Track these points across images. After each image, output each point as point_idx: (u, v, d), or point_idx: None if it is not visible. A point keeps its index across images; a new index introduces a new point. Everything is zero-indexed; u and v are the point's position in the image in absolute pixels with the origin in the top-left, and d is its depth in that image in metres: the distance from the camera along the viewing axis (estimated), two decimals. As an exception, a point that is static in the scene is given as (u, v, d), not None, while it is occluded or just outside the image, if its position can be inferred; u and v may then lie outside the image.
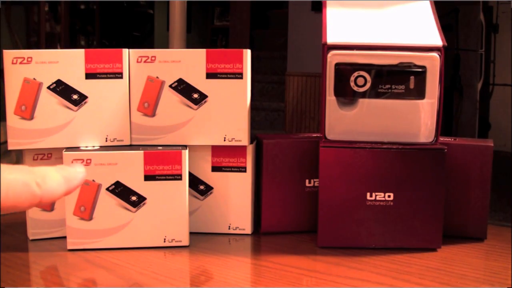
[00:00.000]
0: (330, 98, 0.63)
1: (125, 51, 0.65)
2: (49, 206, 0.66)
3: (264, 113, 4.08)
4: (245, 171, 0.68)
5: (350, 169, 0.62)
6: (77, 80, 0.63)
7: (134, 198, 0.62)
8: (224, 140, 0.66)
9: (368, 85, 0.62)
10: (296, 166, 0.68)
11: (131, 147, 0.65)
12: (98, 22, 5.19)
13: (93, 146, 0.64)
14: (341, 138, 0.63)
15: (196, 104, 0.65)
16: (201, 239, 0.67)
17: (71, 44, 4.85)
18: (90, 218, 0.62)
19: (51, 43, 4.55)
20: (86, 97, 0.64)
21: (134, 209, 0.63)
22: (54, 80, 0.63)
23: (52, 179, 0.34)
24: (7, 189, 0.30)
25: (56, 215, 0.66)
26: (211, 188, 0.68)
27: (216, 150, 0.67)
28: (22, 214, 0.68)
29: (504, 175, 3.17)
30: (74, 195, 0.62)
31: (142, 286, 0.54)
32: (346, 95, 0.62)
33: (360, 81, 0.62)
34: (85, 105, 0.64)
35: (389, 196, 0.62)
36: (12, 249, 0.63)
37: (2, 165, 0.31)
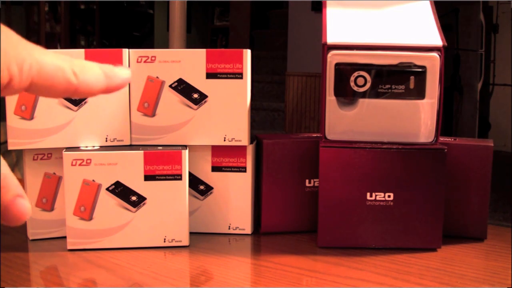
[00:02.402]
0: (330, 98, 0.63)
1: (125, 51, 0.65)
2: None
3: (264, 113, 4.07)
4: (245, 171, 0.68)
5: (350, 169, 0.62)
6: (77, 80, 0.63)
7: (134, 198, 0.62)
8: (224, 140, 0.66)
9: (368, 85, 0.62)
10: (296, 166, 0.68)
11: (131, 147, 0.65)
12: (98, 22, 5.19)
13: (93, 146, 0.64)
14: (341, 138, 0.63)
15: (196, 104, 0.65)
16: (201, 239, 0.67)
17: (71, 44, 4.86)
18: (90, 218, 0.62)
19: (51, 43, 4.56)
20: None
21: (134, 209, 0.63)
22: (54, 80, 0.63)
23: (91, 71, 0.33)
24: (39, 68, 0.29)
25: (56, 215, 0.66)
26: (211, 188, 0.68)
27: (216, 150, 0.67)
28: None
29: (504, 175, 3.17)
30: (74, 195, 0.62)
31: (142, 286, 0.54)
32: (346, 95, 0.62)
33: (360, 81, 0.62)
34: (85, 105, 0.64)
35: (389, 196, 0.62)
36: (12, 249, 0.63)
37: (34, 46, 0.30)
